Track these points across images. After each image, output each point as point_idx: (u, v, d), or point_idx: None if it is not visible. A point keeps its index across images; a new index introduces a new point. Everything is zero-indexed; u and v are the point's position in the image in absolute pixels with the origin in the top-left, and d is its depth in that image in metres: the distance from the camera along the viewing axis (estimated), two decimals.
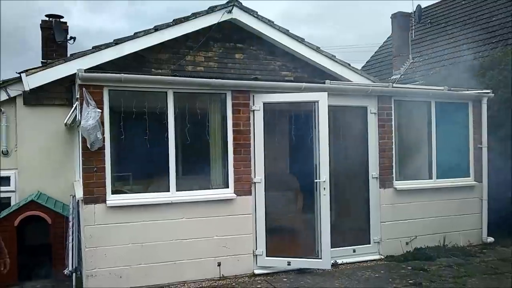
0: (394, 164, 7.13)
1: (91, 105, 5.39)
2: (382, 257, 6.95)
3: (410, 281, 5.84)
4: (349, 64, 9.34)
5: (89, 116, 5.34)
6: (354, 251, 6.88)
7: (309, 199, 6.94)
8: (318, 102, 6.19)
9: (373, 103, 6.96)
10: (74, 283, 6.18)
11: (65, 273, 6.38)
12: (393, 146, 7.12)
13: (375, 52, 16.08)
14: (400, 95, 7.20)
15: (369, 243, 6.99)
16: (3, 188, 7.70)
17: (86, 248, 5.52)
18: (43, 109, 7.74)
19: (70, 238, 6.56)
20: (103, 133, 5.51)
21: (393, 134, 7.12)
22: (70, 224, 6.69)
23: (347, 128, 7.75)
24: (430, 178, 7.50)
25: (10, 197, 7.80)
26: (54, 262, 6.92)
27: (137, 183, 7.63)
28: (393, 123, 7.10)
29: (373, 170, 7.00)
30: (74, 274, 6.23)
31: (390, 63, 13.94)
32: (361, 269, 6.47)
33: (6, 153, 7.77)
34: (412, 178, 7.43)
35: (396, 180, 7.14)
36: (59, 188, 7.71)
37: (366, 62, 16.00)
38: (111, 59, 7.67)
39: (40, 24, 8.84)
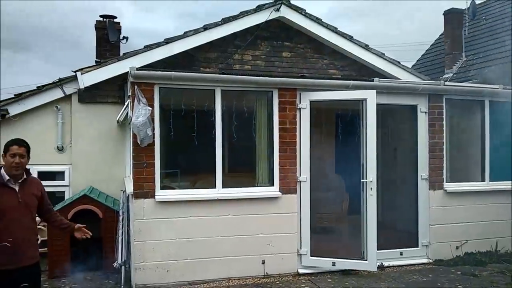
0: (444, 165, 6.91)
1: (142, 102, 5.54)
2: (431, 261, 6.76)
3: (459, 286, 5.66)
4: (399, 62, 9.13)
5: (140, 113, 5.48)
6: (401, 253, 6.72)
7: (355, 200, 6.85)
8: (366, 100, 6.09)
9: (423, 102, 6.77)
10: (123, 276, 6.36)
11: (115, 265, 6.59)
12: (444, 147, 6.90)
13: (426, 51, 15.62)
14: (452, 94, 6.97)
15: (417, 246, 6.82)
16: (57, 183, 8.03)
17: (135, 241, 5.69)
18: (96, 107, 8.02)
19: (120, 232, 6.76)
20: (153, 130, 5.66)
21: (444, 134, 6.90)
22: (120, 218, 6.90)
23: (396, 127, 7.60)
24: (483, 180, 7.22)
25: (64, 191, 8.12)
26: (104, 255, 7.15)
27: (184, 179, 7.79)
28: (444, 122, 6.88)
29: (423, 171, 6.80)
30: (123, 267, 6.42)
31: (441, 62, 13.50)
32: (408, 273, 6.32)
33: (61, 149, 8.09)
34: (464, 180, 7.19)
35: (446, 182, 6.92)
36: (110, 183, 7.95)
37: (417, 61, 15.57)
38: (161, 58, 7.86)
39: (95, 24, 9.16)
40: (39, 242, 4.24)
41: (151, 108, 5.56)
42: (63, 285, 6.39)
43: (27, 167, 4.03)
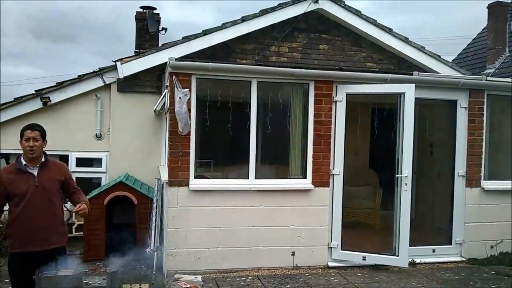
0: (483, 162, 6.74)
1: (182, 91, 5.60)
2: (464, 259, 6.63)
3: (492, 286, 5.54)
4: (439, 56, 8.92)
5: (182, 101, 5.57)
6: (433, 251, 6.62)
7: (389, 195, 6.78)
8: (404, 94, 6.00)
9: (463, 97, 6.61)
10: (155, 261, 6.53)
11: (147, 251, 6.76)
12: (483, 143, 6.72)
13: (468, 45, 15.18)
14: (494, 89, 6.76)
15: (451, 244, 6.69)
16: (95, 169, 8.27)
17: (168, 228, 5.81)
18: (134, 96, 8.20)
19: (153, 218, 6.92)
20: (189, 119, 5.75)
21: (484, 131, 6.71)
22: (154, 205, 7.06)
23: (433, 122, 7.45)
24: None
25: (101, 178, 8.36)
26: (137, 241, 7.34)
27: (217, 169, 7.89)
28: (484, 118, 6.69)
29: (460, 167, 6.65)
30: (155, 253, 6.59)
31: (484, 57, 13.11)
32: (440, 270, 6.22)
33: (99, 137, 8.33)
34: (502, 178, 6.98)
35: (484, 180, 6.75)
36: (145, 171, 8.13)
37: (458, 55, 15.17)
38: (199, 49, 7.94)
39: (135, 15, 9.33)
40: (74, 226, 4.33)
41: (189, 93, 5.63)
42: (98, 268, 6.59)
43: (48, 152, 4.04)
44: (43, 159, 3.93)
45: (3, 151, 8.12)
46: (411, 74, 6.42)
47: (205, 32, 8.02)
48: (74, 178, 4.41)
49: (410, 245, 6.05)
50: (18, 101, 7.99)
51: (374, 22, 8.71)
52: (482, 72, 11.88)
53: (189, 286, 5.08)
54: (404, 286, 5.48)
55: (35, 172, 3.86)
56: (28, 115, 8.01)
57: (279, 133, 6.46)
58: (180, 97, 5.55)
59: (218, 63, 6.05)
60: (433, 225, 7.68)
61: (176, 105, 5.57)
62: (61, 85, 8.08)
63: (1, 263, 6.84)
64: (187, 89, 5.60)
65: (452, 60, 13.56)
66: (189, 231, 5.82)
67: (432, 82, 6.46)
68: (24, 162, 3.86)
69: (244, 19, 8.16)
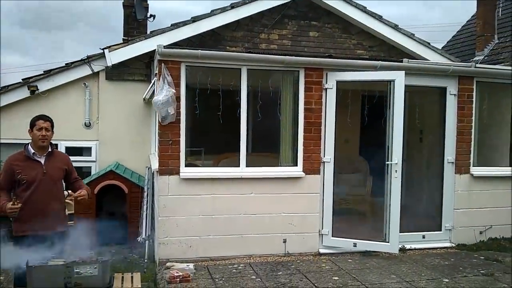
0: (472, 149, 6.79)
1: (167, 81, 5.58)
2: (453, 245, 6.71)
3: (481, 271, 5.60)
4: (429, 43, 8.94)
5: (162, 91, 5.53)
6: (423, 237, 6.69)
7: (379, 182, 6.82)
8: (394, 81, 6.00)
9: (453, 84, 6.63)
10: (146, 250, 6.54)
11: (139, 240, 6.77)
12: (472, 130, 6.77)
13: (457, 32, 15.19)
14: (483, 76, 6.80)
15: (440, 230, 6.76)
16: (84, 158, 8.21)
17: (159, 217, 5.80)
18: (123, 84, 8.12)
19: (145, 207, 6.91)
20: (178, 108, 5.70)
21: (473, 117, 6.76)
22: (145, 194, 7.04)
23: (423, 109, 7.47)
24: (511, 165, 7.09)
25: (90, 167, 8.31)
26: (128, 230, 7.33)
27: (208, 157, 7.88)
28: (474, 105, 6.73)
29: (449, 154, 6.70)
30: (147, 241, 6.59)
31: (472, 44, 13.13)
32: (430, 256, 6.29)
33: (88, 125, 8.25)
34: (491, 164, 7.09)
35: (473, 166, 6.81)
36: (135, 160, 8.10)
37: (447, 42, 15.17)
38: (188, 36, 7.88)
39: (123, 2, 9.19)
40: (66, 213, 4.43)
41: (174, 90, 5.59)
42: (89, 257, 6.56)
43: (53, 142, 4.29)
44: (49, 149, 4.17)
45: None
46: (401, 61, 6.43)
47: (194, 19, 7.94)
48: None
49: (400, 232, 6.10)
50: (5, 89, 7.89)
51: (364, 9, 8.69)
52: (471, 59, 11.92)
53: (181, 274, 5.07)
54: (395, 272, 5.53)
55: (42, 161, 4.11)
56: (16, 104, 7.93)
57: (269, 121, 6.44)
58: (162, 88, 5.51)
59: (207, 50, 6.00)
60: (423, 211, 7.75)
61: (155, 95, 5.54)
62: (48, 73, 7.98)
63: None
64: (173, 90, 5.56)
65: (442, 47, 13.59)
66: (181, 219, 5.81)
67: (422, 69, 6.47)
68: (32, 151, 4.09)
69: (233, 6, 8.10)
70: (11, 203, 3.86)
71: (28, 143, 4.18)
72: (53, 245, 4.05)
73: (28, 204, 3.97)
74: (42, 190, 4.05)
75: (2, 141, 8.03)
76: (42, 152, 4.13)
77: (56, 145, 8.30)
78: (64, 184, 4.42)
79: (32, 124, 4.14)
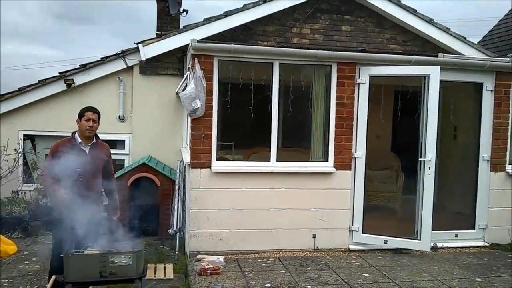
0: (508, 146, 6.62)
1: (197, 74, 5.63)
2: (487, 244, 6.57)
3: None
4: (465, 38, 8.71)
5: (190, 85, 5.60)
6: (456, 235, 6.58)
7: (411, 179, 6.72)
8: (429, 76, 5.89)
9: (489, 80, 6.47)
10: (177, 242, 6.63)
11: (170, 232, 6.87)
12: (509, 127, 6.59)
13: (494, 27, 14.75)
14: None
15: (474, 229, 6.64)
16: (118, 151, 8.37)
17: (191, 210, 5.88)
18: (156, 78, 8.23)
19: (176, 200, 7.01)
20: (210, 102, 5.76)
21: (510, 114, 6.58)
22: (176, 187, 7.14)
23: (458, 105, 7.32)
24: None
25: (124, 159, 8.46)
26: (160, 222, 7.46)
27: (238, 152, 7.92)
28: (511, 102, 6.55)
29: (484, 151, 6.55)
30: (177, 233, 6.69)
31: (510, 39, 12.74)
32: (462, 255, 6.19)
33: (122, 119, 8.41)
34: None
35: (509, 164, 6.64)
36: (167, 153, 8.21)
37: (483, 37, 14.76)
38: (220, 31, 7.90)
39: None
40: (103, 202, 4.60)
41: (204, 85, 5.65)
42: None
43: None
44: (94, 139, 4.39)
45: (28, 133, 8.29)
46: (436, 56, 6.30)
47: (226, 14, 7.97)
48: None
49: (432, 230, 6.01)
50: (43, 83, 8.11)
51: (398, 3, 8.53)
52: (508, 55, 11.57)
53: (211, 266, 5.14)
54: (426, 270, 5.46)
55: (87, 150, 4.32)
56: (52, 97, 8.14)
57: (300, 116, 6.43)
58: (190, 82, 5.56)
59: (240, 44, 6.02)
60: (456, 209, 7.61)
61: (182, 88, 5.60)
62: (84, 67, 8.16)
63: (28, 242, 7.04)
64: (193, 87, 5.60)
65: (478, 42, 13.24)
66: (211, 212, 5.88)
67: (457, 64, 6.34)
68: (79, 140, 4.31)
69: (265, 0, 8.06)
70: (62, 192, 4.05)
71: (75, 132, 4.38)
72: (89, 231, 4.18)
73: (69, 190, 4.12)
74: (84, 178, 4.25)
75: (38, 133, 8.29)
76: (88, 142, 4.34)
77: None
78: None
79: (81, 115, 4.34)
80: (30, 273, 5.66)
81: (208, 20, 7.90)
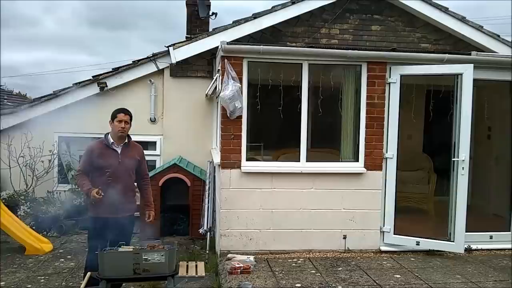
0: None
1: (231, 75, 5.68)
2: None
3: None
4: (498, 36, 8.52)
5: (228, 87, 5.64)
6: (490, 237, 6.41)
7: (443, 180, 6.60)
8: (462, 75, 5.78)
9: None
10: (208, 242, 6.70)
11: (200, 232, 6.95)
12: None
13: None
14: None
15: (509, 231, 6.45)
16: (150, 152, 8.52)
17: (221, 209, 5.93)
18: (187, 81, 8.37)
19: (206, 200, 7.08)
20: (241, 103, 5.80)
21: None
22: (207, 187, 7.22)
23: (492, 104, 7.15)
24: None
25: (155, 160, 8.62)
26: (191, 221, 7.54)
27: (267, 153, 7.94)
28: None
29: None
30: (208, 233, 6.75)
31: None
32: (497, 257, 6.03)
33: (153, 120, 8.56)
34: None
35: None
36: (197, 154, 8.32)
37: None
38: (249, 33, 7.97)
39: (186, 0, 9.45)
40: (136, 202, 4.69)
41: (239, 85, 5.69)
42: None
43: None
44: (126, 140, 4.48)
45: (63, 135, 8.52)
46: (469, 54, 6.18)
47: (255, 16, 8.03)
48: None
49: (466, 231, 5.88)
50: (77, 86, 8.34)
51: (429, 2, 8.42)
52: None
53: (242, 265, 5.18)
54: (460, 272, 5.36)
55: (119, 150, 4.42)
56: (86, 100, 8.35)
57: (330, 116, 6.41)
58: (228, 84, 5.60)
59: (269, 45, 6.05)
60: (490, 211, 7.43)
61: (222, 90, 5.65)
62: (116, 71, 8.36)
63: (63, 240, 7.23)
64: (239, 84, 5.65)
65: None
66: (241, 212, 5.91)
67: (491, 62, 6.19)
68: (111, 140, 4.42)
69: (294, 2, 8.10)
70: (96, 191, 4.20)
71: (108, 133, 4.50)
72: (122, 229, 4.40)
73: (102, 189, 4.26)
74: (116, 177, 4.36)
75: (72, 135, 8.51)
76: (120, 142, 4.44)
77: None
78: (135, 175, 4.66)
79: (114, 116, 4.46)
80: (65, 270, 5.82)
81: (237, 23, 7.98)
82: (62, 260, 6.25)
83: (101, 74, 8.41)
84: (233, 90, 5.58)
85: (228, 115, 5.77)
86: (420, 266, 5.57)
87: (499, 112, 7.23)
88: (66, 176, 8.37)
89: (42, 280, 5.45)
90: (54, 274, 5.67)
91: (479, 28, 8.48)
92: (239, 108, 5.72)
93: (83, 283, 3.94)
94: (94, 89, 8.30)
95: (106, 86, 8.26)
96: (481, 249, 6.25)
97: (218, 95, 6.15)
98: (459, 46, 8.56)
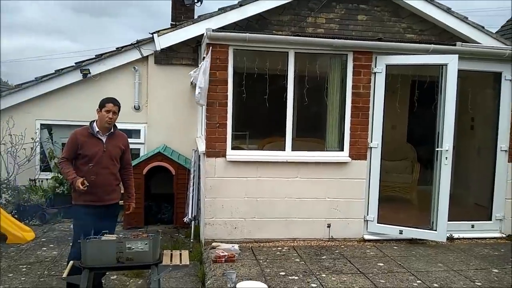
0: None
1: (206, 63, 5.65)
2: (504, 235, 6.49)
3: None
4: (483, 27, 8.58)
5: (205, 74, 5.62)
6: (472, 226, 6.51)
7: (427, 169, 6.66)
8: (447, 65, 5.80)
9: (508, 69, 6.34)
10: (192, 230, 6.69)
11: (185, 220, 6.94)
12: None
13: None
14: None
15: (490, 220, 6.55)
16: (134, 140, 8.43)
17: (206, 198, 5.90)
18: (171, 68, 8.28)
19: (191, 189, 7.06)
20: (225, 91, 5.76)
21: None
22: (191, 176, 7.18)
23: (475, 95, 7.22)
24: None
25: (139, 149, 8.55)
26: (175, 210, 7.52)
27: (253, 141, 7.92)
28: None
29: (503, 142, 6.46)
30: (192, 222, 6.75)
31: None
32: (479, 246, 6.13)
33: (137, 108, 8.47)
34: None
35: None
36: (182, 142, 8.27)
37: (501, 27, 14.51)
38: (235, 20, 7.90)
39: None
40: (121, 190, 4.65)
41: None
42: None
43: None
44: (112, 129, 4.43)
45: (45, 122, 8.39)
46: (454, 45, 6.21)
47: (241, 3, 7.95)
48: None
49: (448, 220, 5.96)
50: (59, 73, 8.20)
51: None
52: None
53: (226, 254, 5.17)
54: (442, 260, 5.43)
55: (104, 139, 4.38)
56: (69, 87, 8.23)
57: (316, 105, 6.40)
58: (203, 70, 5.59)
59: (255, 33, 6.01)
60: (472, 200, 7.54)
61: (200, 76, 5.62)
62: (100, 58, 8.23)
63: (46, 229, 7.15)
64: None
65: (496, 32, 13.02)
66: (226, 201, 5.90)
67: (476, 53, 6.23)
68: (97, 129, 4.37)
69: None
70: (81, 181, 4.15)
71: (93, 121, 4.43)
72: (107, 217, 4.38)
73: (87, 177, 4.22)
74: (100, 166, 4.31)
75: (54, 122, 8.39)
76: (105, 131, 4.39)
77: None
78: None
79: (102, 105, 4.38)
80: (47, 259, 5.76)
81: (223, 10, 7.90)
82: (45, 248, 6.19)
83: (84, 61, 8.28)
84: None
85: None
86: (403, 255, 5.63)
87: (482, 103, 7.31)
88: (48, 164, 8.25)
89: (24, 269, 5.39)
90: (36, 263, 5.61)
91: (463, 19, 8.53)
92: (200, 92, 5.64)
93: (66, 272, 3.88)
94: (77, 76, 8.17)
95: (89, 73, 8.14)
96: (463, 238, 6.35)
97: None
98: (444, 37, 8.61)
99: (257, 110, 6.67)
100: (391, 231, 6.17)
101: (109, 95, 4.60)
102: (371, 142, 6.14)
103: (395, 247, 5.94)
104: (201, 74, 5.63)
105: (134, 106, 8.42)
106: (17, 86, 8.32)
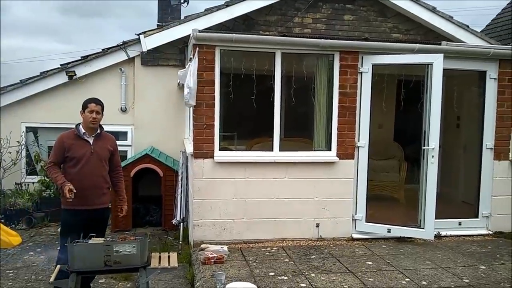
0: None
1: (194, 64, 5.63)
2: (490, 232, 6.57)
3: None
4: (468, 26, 8.65)
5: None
6: (459, 224, 6.58)
7: (414, 168, 6.70)
8: (432, 64, 5.86)
9: (493, 68, 6.44)
10: (181, 232, 6.64)
11: (173, 222, 6.89)
12: None
13: (497, 15, 14.65)
14: None
15: (477, 217, 6.63)
16: (121, 142, 8.35)
17: (194, 199, 5.88)
18: (158, 69, 8.21)
19: (179, 190, 7.01)
20: (212, 92, 5.75)
21: None
22: (179, 177, 7.14)
23: (461, 94, 7.29)
24: None
25: (126, 151, 8.47)
26: (163, 212, 7.47)
27: (241, 142, 7.92)
28: None
29: (488, 140, 6.54)
30: (181, 224, 6.70)
31: None
32: (466, 243, 6.19)
33: (124, 110, 8.40)
34: None
35: None
36: (170, 144, 8.21)
37: (486, 26, 14.67)
38: (221, 21, 7.86)
39: None
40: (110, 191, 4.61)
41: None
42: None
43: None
44: (98, 130, 4.39)
45: (31, 125, 8.29)
46: (440, 44, 6.26)
47: (228, 4, 7.93)
48: None
49: (435, 218, 6.01)
50: (44, 75, 8.10)
51: None
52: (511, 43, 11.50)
53: (215, 255, 5.16)
54: (430, 258, 5.47)
55: (91, 141, 4.33)
56: (54, 89, 8.14)
57: (303, 105, 6.42)
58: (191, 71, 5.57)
59: (242, 34, 6.00)
60: (459, 198, 7.61)
61: (188, 77, 5.59)
62: (85, 59, 8.15)
63: (32, 233, 7.07)
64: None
65: (481, 31, 13.15)
66: (215, 202, 5.88)
67: (461, 52, 6.30)
68: (83, 131, 4.32)
69: None
70: (68, 189, 4.05)
71: (79, 123, 4.39)
72: (97, 221, 4.34)
73: (75, 180, 4.16)
74: (89, 168, 4.26)
75: (40, 125, 8.29)
76: (91, 133, 4.34)
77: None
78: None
79: (84, 106, 4.33)
80: (34, 263, 5.70)
81: (209, 10, 7.87)
82: (32, 253, 6.11)
83: (69, 63, 8.19)
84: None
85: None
86: (392, 253, 5.67)
87: (468, 101, 7.38)
88: (34, 167, 8.16)
89: (11, 274, 5.32)
90: (23, 268, 5.54)
91: (449, 19, 8.60)
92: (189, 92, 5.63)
93: (53, 276, 3.84)
94: (63, 78, 8.07)
95: (75, 75, 8.04)
96: (450, 236, 6.41)
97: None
98: (430, 36, 8.67)
99: (244, 110, 6.65)
100: (380, 229, 6.21)
101: (96, 97, 4.56)
102: (359, 141, 6.16)
103: (383, 246, 5.97)
104: (189, 74, 5.61)
105: (121, 108, 8.35)
106: (2, 89, 8.21)
